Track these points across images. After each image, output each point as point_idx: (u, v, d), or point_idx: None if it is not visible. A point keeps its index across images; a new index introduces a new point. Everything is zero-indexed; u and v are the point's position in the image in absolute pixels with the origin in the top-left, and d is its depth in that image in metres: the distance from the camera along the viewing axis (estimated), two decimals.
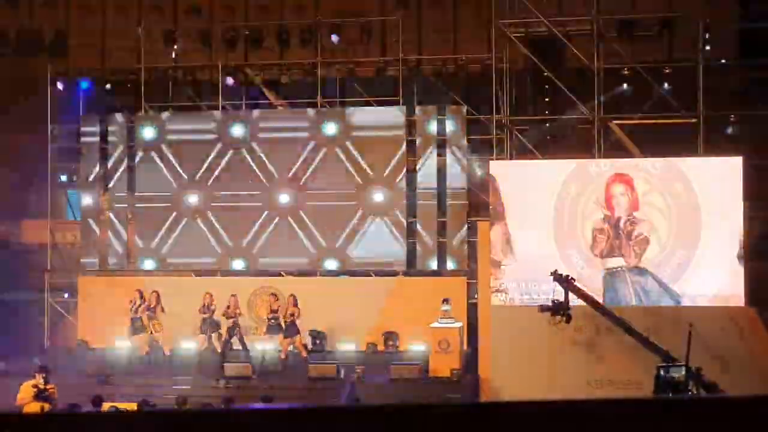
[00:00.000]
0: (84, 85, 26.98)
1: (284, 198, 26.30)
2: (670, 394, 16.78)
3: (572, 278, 19.71)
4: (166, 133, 26.97)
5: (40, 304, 26.76)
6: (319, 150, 26.28)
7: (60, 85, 26.78)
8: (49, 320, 26.93)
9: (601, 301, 20.77)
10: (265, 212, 26.42)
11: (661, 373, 17.69)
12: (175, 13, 27.51)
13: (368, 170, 26.00)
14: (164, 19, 27.29)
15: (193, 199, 26.77)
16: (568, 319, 19.39)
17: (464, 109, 25.47)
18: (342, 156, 26.18)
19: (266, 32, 26.41)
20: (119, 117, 27.29)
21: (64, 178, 27.84)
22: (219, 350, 23.75)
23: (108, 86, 27.14)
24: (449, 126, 25.56)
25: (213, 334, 23.91)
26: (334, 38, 25.99)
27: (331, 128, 26.13)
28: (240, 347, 23.87)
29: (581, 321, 20.67)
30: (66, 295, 27.12)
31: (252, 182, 26.39)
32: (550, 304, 19.62)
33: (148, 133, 26.92)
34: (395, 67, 25.94)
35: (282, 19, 26.70)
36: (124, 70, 27.04)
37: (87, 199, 27.44)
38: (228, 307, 23.80)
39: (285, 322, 23.63)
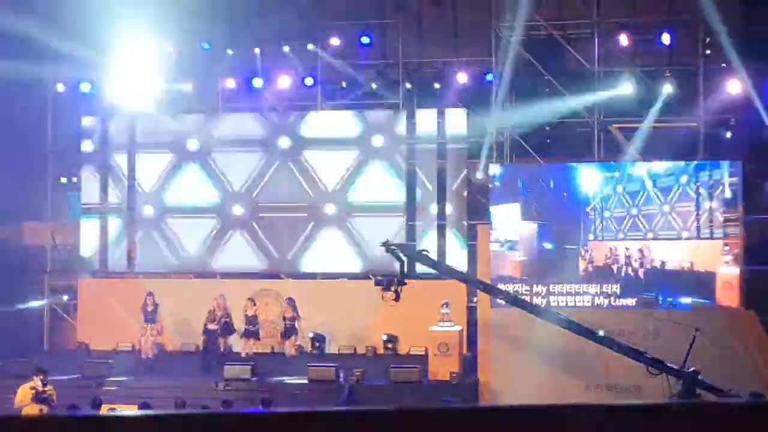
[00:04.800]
0: (85, 86, 26.95)
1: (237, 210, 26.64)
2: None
3: (412, 249, 18.76)
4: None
5: (39, 305, 26.75)
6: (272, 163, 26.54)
7: (60, 87, 26.78)
8: (48, 322, 26.94)
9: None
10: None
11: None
12: None
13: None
14: None
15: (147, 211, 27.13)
16: (397, 297, 18.08)
17: (464, 111, 25.50)
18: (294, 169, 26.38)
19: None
20: (119, 118, 27.36)
21: (64, 180, 27.82)
22: (220, 351, 23.90)
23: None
24: (449, 129, 25.65)
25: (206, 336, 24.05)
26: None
27: (285, 142, 26.59)
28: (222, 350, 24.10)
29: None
30: (66, 297, 27.11)
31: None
32: (381, 277, 18.41)
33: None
34: (395, 70, 25.96)
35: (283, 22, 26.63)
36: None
37: (87, 201, 27.49)
38: (212, 309, 23.88)
39: (285, 324, 23.88)
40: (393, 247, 18.14)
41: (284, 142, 26.51)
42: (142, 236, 27.12)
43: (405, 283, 17.88)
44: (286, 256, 26.41)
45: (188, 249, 26.82)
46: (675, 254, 21.77)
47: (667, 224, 21.80)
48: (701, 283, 21.55)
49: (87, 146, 27.35)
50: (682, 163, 22.27)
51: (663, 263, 21.80)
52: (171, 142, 26.98)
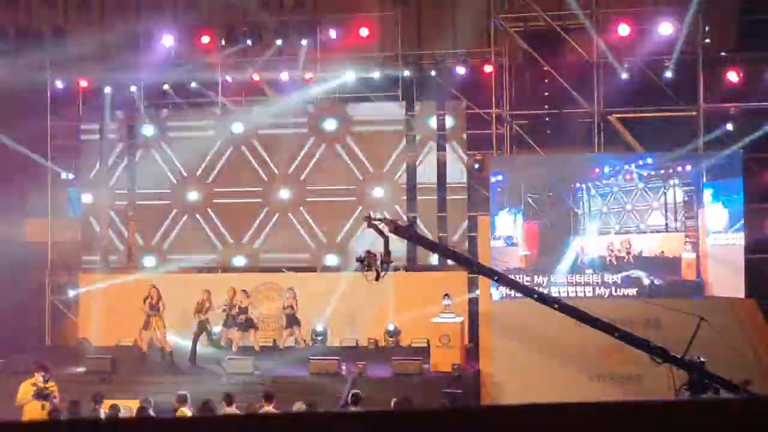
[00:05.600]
0: (83, 83, 26.96)
1: (284, 194, 26.41)
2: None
3: (395, 221, 16.96)
4: (165, 130, 27.17)
5: (40, 302, 26.75)
6: (318, 146, 26.47)
7: (59, 83, 26.75)
8: (49, 318, 26.94)
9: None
10: (265, 208, 26.58)
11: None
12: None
13: (368, 166, 26.15)
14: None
15: (193, 195, 26.94)
16: (378, 275, 16.08)
17: (463, 104, 25.51)
18: (342, 151, 26.34)
19: (265, 28, 26.35)
20: (119, 114, 27.40)
21: (64, 176, 27.83)
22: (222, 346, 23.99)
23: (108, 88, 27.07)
24: (449, 121, 25.69)
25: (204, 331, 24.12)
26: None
27: (330, 124, 26.29)
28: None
29: None
30: (68, 293, 27.11)
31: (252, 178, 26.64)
32: (362, 255, 16.43)
33: (147, 130, 27.08)
34: (395, 63, 25.95)
35: (282, 14, 26.64)
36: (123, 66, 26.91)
37: (87, 197, 27.55)
38: (199, 302, 23.93)
39: (287, 313, 24.10)
40: (375, 222, 16.42)
41: (331, 124, 26.62)
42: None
43: (389, 263, 16.21)
44: (334, 240, 26.54)
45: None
46: (651, 244, 22.44)
47: (650, 218, 22.43)
48: (671, 265, 22.20)
49: (86, 142, 27.47)
50: (676, 153, 22.40)
51: (641, 252, 22.38)
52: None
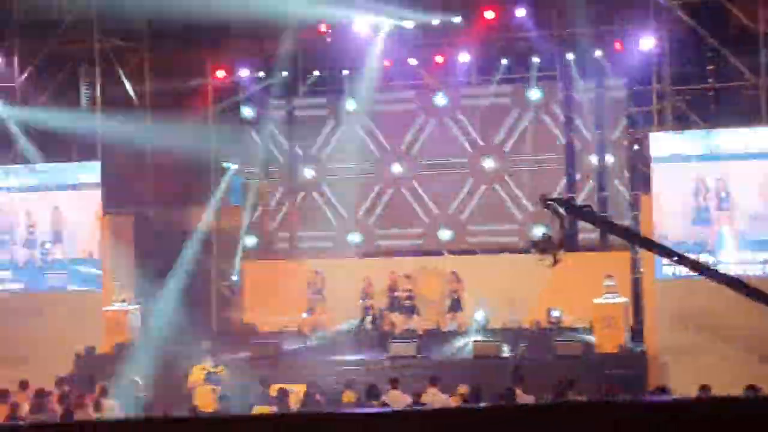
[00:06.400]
0: (243, 72, 27.45)
1: (489, 164, 27.28)
2: None
3: (572, 200, 16.58)
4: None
5: (206, 288, 27.37)
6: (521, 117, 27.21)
7: (221, 73, 27.28)
8: (216, 304, 27.55)
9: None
10: (470, 180, 27.48)
11: None
12: None
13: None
14: None
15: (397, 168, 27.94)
16: (555, 260, 14.80)
17: (623, 80, 25.11)
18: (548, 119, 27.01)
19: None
20: (276, 101, 27.90)
21: (226, 163, 28.42)
22: (385, 330, 24.15)
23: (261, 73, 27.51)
24: (608, 99, 25.51)
25: (369, 316, 24.30)
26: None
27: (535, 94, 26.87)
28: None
29: None
30: (232, 279, 27.69)
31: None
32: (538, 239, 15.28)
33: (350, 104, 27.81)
34: (552, 42, 25.63)
35: None
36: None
37: (250, 184, 28.18)
38: (366, 287, 24.15)
39: (452, 297, 24.09)
40: (551, 202, 15.19)
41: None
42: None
43: (564, 246, 15.04)
44: (446, 212, 27.14)
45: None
46: None
47: None
48: None
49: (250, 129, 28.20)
50: None
51: None
52: None
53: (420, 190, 27.84)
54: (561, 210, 15.04)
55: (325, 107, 28.54)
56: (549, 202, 15.04)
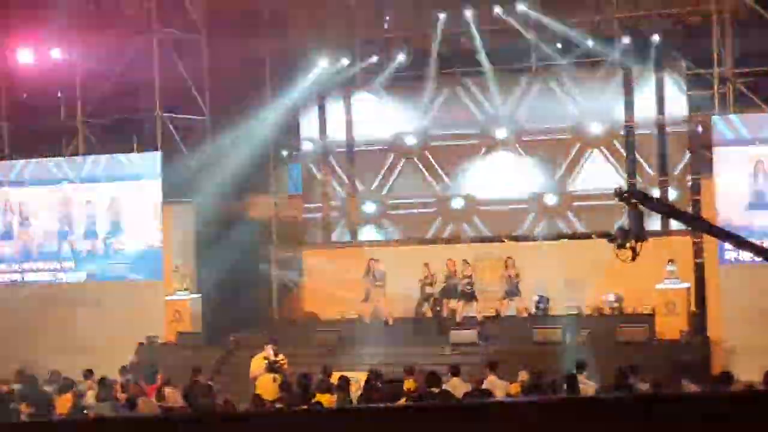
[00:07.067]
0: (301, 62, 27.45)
1: (501, 133, 27.16)
2: None
3: (646, 194, 15.41)
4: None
5: (267, 277, 27.48)
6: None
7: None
8: (277, 293, 27.65)
9: None
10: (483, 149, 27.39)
11: None
12: None
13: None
14: None
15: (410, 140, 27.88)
16: (634, 254, 14.19)
17: (683, 64, 24.81)
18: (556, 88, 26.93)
19: None
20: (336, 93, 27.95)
21: (285, 152, 28.51)
22: (445, 317, 24.07)
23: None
24: (668, 83, 25.25)
25: (428, 303, 24.27)
26: None
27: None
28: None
29: None
30: (292, 268, 27.77)
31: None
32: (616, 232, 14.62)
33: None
34: (610, 26, 25.39)
35: None
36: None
37: (309, 174, 28.26)
38: (425, 275, 24.12)
39: (509, 282, 23.99)
40: (626, 194, 14.76)
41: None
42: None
43: (645, 239, 14.37)
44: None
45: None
46: None
47: None
48: None
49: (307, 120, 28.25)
50: None
51: None
52: None
53: None
54: (636, 202, 14.59)
55: None
56: (624, 195, 14.65)
